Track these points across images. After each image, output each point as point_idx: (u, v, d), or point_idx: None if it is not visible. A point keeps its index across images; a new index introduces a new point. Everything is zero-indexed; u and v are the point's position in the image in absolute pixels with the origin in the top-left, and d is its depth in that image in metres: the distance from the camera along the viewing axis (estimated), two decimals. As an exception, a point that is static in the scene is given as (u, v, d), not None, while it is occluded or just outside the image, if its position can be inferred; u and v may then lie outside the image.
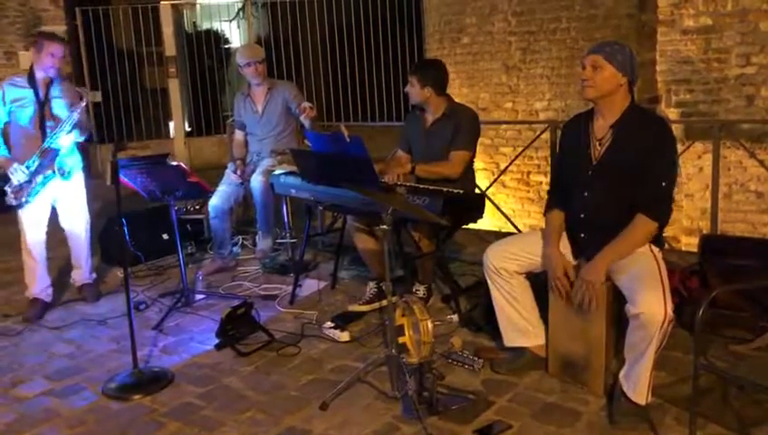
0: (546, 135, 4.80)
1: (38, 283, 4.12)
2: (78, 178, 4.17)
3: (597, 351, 2.80)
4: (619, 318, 2.77)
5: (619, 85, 2.76)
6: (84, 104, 3.94)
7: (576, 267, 2.87)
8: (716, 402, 2.66)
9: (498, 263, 2.97)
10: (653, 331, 2.48)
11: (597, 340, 2.79)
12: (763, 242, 4.15)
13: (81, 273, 4.35)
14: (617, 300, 2.74)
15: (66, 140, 3.96)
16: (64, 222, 4.22)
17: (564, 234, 2.97)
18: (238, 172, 4.74)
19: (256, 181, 4.59)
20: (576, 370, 2.90)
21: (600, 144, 2.82)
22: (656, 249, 2.77)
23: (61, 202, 4.13)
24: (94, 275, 4.43)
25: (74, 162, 4.12)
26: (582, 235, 2.90)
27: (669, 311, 2.48)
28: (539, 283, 3.02)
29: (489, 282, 3.04)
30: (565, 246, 2.95)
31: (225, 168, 4.89)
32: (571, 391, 2.86)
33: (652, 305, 2.48)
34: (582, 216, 2.89)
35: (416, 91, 3.81)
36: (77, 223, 4.23)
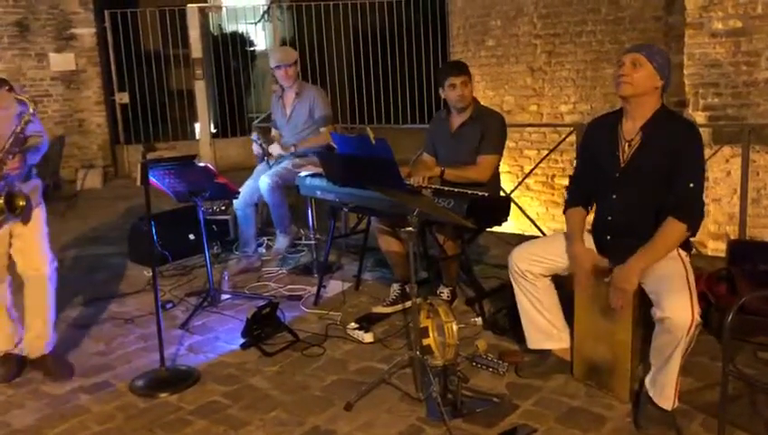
0: (571, 138, 4.78)
1: (3, 337, 3.33)
2: (37, 213, 3.25)
3: (623, 355, 2.79)
4: (644, 322, 2.75)
5: (655, 87, 2.74)
6: (31, 112, 3.04)
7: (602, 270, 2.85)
8: (745, 410, 2.64)
9: (523, 265, 2.97)
10: (679, 335, 2.46)
11: (623, 344, 2.78)
12: (793, 248, 4.09)
13: (38, 339, 3.29)
14: (643, 303, 2.72)
15: (13, 164, 3.05)
16: (20, 267, 3.26)
17: (589, 235, 2.96)
18: (260, 142, 4.86)
19: (263, 182, 4.66)
20: (601, 374, 2.88)
21: (629, 146, 2.80)
22: (683, 253, 2.74)
23: (15, 243, 3.22)
24: (55, 339, 3.38)
25: (31, 191, 3.19)
26: (608, 237, 2.89)
27: (696, 316, 2.46)
28: (563, 286, 3.01)
29: (514, 284, 3.03)
30: (589, 246, 2.93)
31: (250, 169, 4.96)
32: (596, 396, 2.85)
33: (679, 309, 2.46)
34: (609, 218, 2.88)
35: (470, 89, 3.80)
36: (35, 270, 3.24)
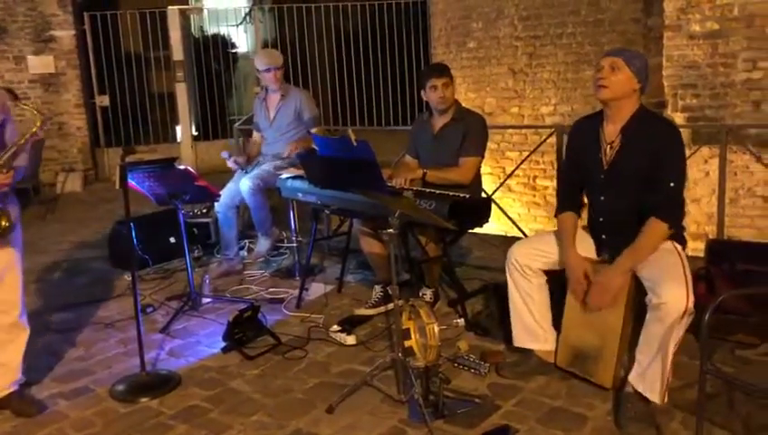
0: (552, 139, 4.80)
1: None
2: (15, 237, 2.92)
3: (611, 340, 2.81)
4: (636, 313, 2.78)
5: (633, 90, 2.78)
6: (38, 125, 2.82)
7: (601, 262, 2.91)
8: (723, 407, 2.66)
9: (523, 260, 2.99)
10: (673, 322, 2.51)
11: (613, 329, 2.80)
12: (771, 247, 4.14)
13: (2, 378, 2.96)
14: (637, 292, 2.76)
15: (6, 179, 2.76)
16: None
17: (586, 233, 3.02)
18: (233, 158, 4.81)
19: (244, 185, 4.65)
20: (586, 361, 2.91)
21: (610, 148, 2.84)
22: (679, 246, 2.79)
23: None
24: (23, 378, 3.05)
25: (13, 211, 2.87)
26: (603, 236, 2.95)
27: (690, 304, 2.51)
28: (556, 287, 3.03)
29: (509, 280, 3.05)
30: (589, 244, 2.98)
31: (231, 172, 4.93)
32: (577, 396, 2.86)
33: (675, 296, 2.51)
34: (601, 219, 2.95)
35: (452, 91, 3.80)
36: (6, 301, 2.91)
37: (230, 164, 4.84)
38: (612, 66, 2.76)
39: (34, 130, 2.85)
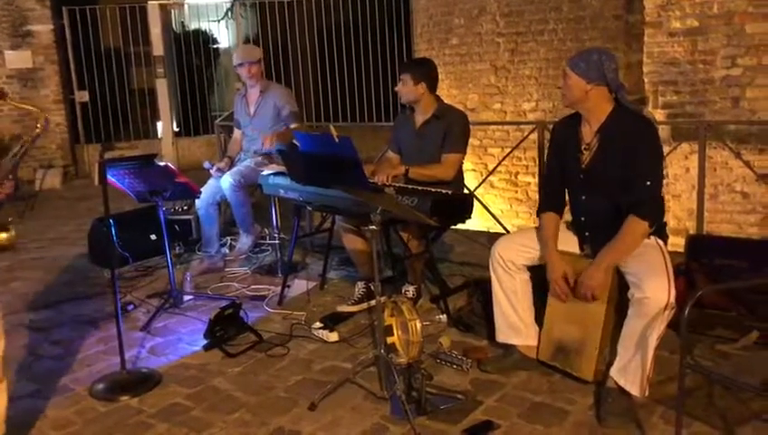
0: (534, 135, 4.82)
1: None
2: None
3: (593, 333, 2.82)
4: (618, 307, 2.81)
5: (585, 92, 2.79)
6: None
7: (583, 256, 2.93)
8: (702, 401, 2.69)
9: (507, 255, 3.00)
10: (655, 316, 2.54)
11: (595, 322, 2.82)
12: (749, 242, 4.19)
13: None
14: (620, 287, 2.78)
15: (6, 189, 2.62)
16: None
17: (568, 230, 3.04)
18: (216, 167, 4.77)
19: (225, 181, 4.62)
20: (568, 354, 2.92)
21: (588, 149, 2.86)
22: (661, 241, 2.82)
23: None
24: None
25: None
26: (587, 233, 2.97)
27: (672, 298, 2.54)
28: (539, 283, 3.04)
29: (492, 275, 3.06)
30: (572, 240, 3.00)
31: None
32: (558, 391, 2.88)
33: (657, 290, 2.54)
34: (583, 218, 2.97)
35: (409, 89, 3.80)
36: None
37: (213, 173, 4.80)
38: (564, 74, 2.87)
39: (38, 130, 2.72)
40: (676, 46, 5.58)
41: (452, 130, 3.77)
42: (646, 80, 5.79)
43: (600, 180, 2.83)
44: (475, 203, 4.00)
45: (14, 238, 2.65)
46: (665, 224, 2.95)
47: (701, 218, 4.16)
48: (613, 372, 2.73)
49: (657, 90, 5.73)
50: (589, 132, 2.87)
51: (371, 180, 3.58)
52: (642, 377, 2.64)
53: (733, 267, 3.41)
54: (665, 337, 2.66)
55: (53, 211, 7.33)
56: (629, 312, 2.66)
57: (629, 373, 2.66)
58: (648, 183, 2.72)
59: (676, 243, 4.13)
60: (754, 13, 5.24)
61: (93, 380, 3.16)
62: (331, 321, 3.66)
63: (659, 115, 5.64)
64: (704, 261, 3.49)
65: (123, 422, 2.81)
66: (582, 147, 2.88)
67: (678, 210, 5.57)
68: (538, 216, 3.11)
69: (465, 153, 3.87)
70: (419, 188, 3.55)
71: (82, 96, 9.86)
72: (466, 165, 4.19)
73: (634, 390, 2.66)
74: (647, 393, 2.68)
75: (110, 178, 3.65)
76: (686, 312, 2.22)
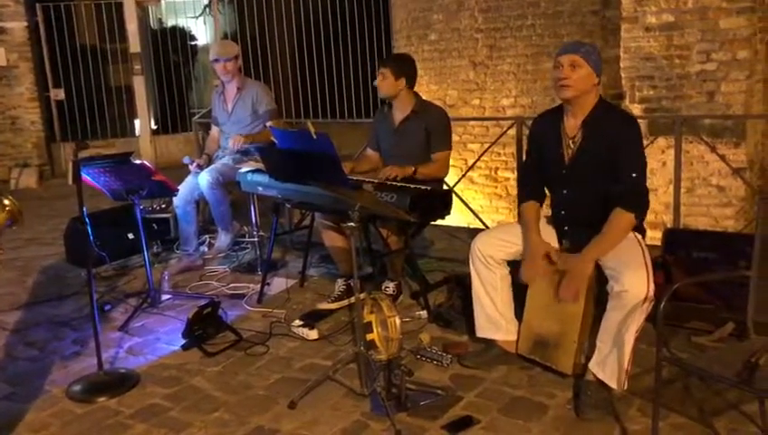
0: (513, 131, 4.83)
1: None
2: None
3: (572, 327, 2.83)
4: (597, 301, 2.82)
5: (594, 85, 2.80)
6: None
7: (562, 251, 2.93)
8: (679, 393, 2.71)
9: (487, 250, 2.99)
10: (633, 309, 2.55)
11: (573, 316, 2.83)
12: (725, 235, 4.24)
13: None
14: (598, 282, 2.80)
15: None
16: None
17: (548, 225, 3.04)
18: (195, 163, 4.74)
19: (203, 179, 4.59)
20: (547, 348, 2.94)
21: (572, 143, 2.87)
22: (639, 235, 2.84)
23: None
24: None
25: None
26: (566, 227, 2.98)
27: (651, 291, 2.56)
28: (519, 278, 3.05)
29: (472, 270, 3.06)
30: (551, 234, 3.00)
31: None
32: (538, 385, 2.89)
33: (636, 283, 2.56)
34: (563, 212, 2.97)
35: (389, 83, 3.79)
36: None
37: (192, 168, 4.76)
38: (572, 64, 2.76)
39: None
40: (652, 41, 5.62)
41: (437, 129, 3.79)
42: (623, 75, 5.83)
43: (584, 172, 2.84)
44: (455, 199, 4.01)
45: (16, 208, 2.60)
46: (642, 220, 2.97)
47: (678, 212, 4.19)
48: (592, 365, 2.75)
49: (635, 84, 5.77)
50: (573, 125, 2.87)
51: (379, 178, 3.58)
52: (620, 370, 2.66)
53: (709, 260, 3.44)
54: (643, 330, 2.68)
55: (29, 211, 7.20)
56: (608, 305, 2.68)
57: (608, 366, 2.68)
58: (634, 175, 2.74)
59: (654, 236, 4.16)
60: (728, 8, 5.29)
61: (70, 381, 3.12)
62: (312, 318, 3.65)
63: (636, 110, 5.68)
64: (680, 254, 3.52)
65: (101, 424, 2.78)
66: (566, 141, 2.89)
67: (656, 204, 5.61)
68: (519, 206, 3.11)
69: (451, 148, 3.89)
70: (398, 184, 3.55)
71: (58, 94, 9.73)
72: (446, 161, 4.20)
73: (612, 383, 2.68)
74: (625, 386, 2.70)
75: (86, 177, 3.60)
76: (662, 305, 2.24)
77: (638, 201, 2.77)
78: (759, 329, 2.43)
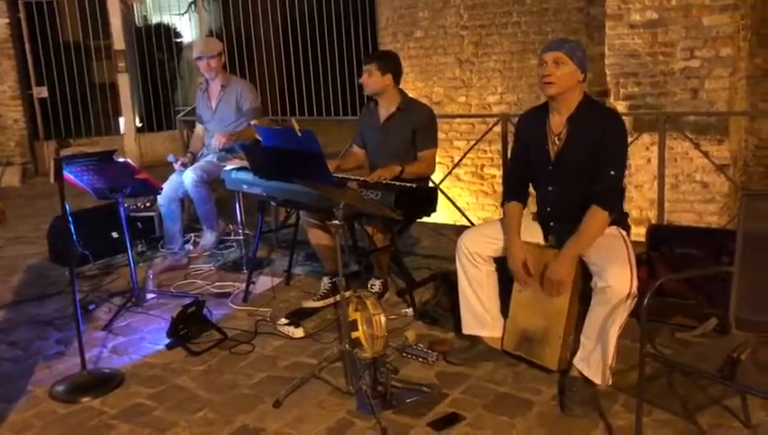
0: (498, 128, 4.84)
1: None
2: None
3: (557, 322, 2.85)
4: (582, 297, 2.83)
5: (578, 81, 2.81)
6: None
7: (548, 247, 2.95)
8: (662, 388, 2.73)
9: (473, 247, 3.00)
10: (618, 304, 2.57)
11: (559, 312, 2.84)
12: (708, 231, 4.26)
13: None
14: (582, 277, 2.81)
15: None
16: None
17: (533, 221, 3.05)
18: (180, 161, 4.70)
19: (188, 177, 4.57)
20: (532, 344, 2.95)
21: (558, 140, 2.88)
22: (623, 232, 2.86)
23: None
24: None
25: None
26: (552, 223, 2.99)
27: (634, 287, 2.57)
28: (505, 274, 3.06)
29: (459, 267, 3.06)
30: (537, 230, 3.02)
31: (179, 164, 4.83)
32: (523, 381, 2.90)
33: (620, 280, 2.57)
34: (549, 208, 2.98)
35: (375, 80, 3.78)
36: None
37: (177, 166, 4.74)
38: (556, 61, 2.77)
39: None
40: (637, 38, 5.65)
41: (423, 127, 3.79)
42: (608, 72, 5.86)
43: (569, 169, 2.85)
44: (441, 196, 4.01)
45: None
46: (627, 214, 2.99)
47: (662, 208, 4.22)
48: (576, 361, 2.76)
49: (619, 81, 5.80)
50: (559, 122, 2.88)
51: (366, 178, 3.56)
52: (604, 366, 2.68)
53: (692, 256, 3.46)
54: (627, 326, 2.70)
55: (12, 210, 7.14)
56: (592, 301, 2.70)
57: (592, 362, 2.70)
58: (612, 172, 2.75)
59: (639, 233, 4.19)
60: (711, 5, 5.33)
61: (53, 381, 3.09)
62: (297, 317, 3.64)
63: (621, 106, 5.71)
64: (664, 250, 3.54)
65: (84, 424, 2.76)
66: (552, 137, 2.90)
67: (640, 200, 5.65)
68: (502, 206, 3.12)
69: (438, 146, 3.90)
70: (384, 181, 3.54)
71: (41, 92, 9.63)
72: (432, 158, 4.21)
73: (597, 378, 2.70)
74: (609, 382, 2.71)
75: (69, 176, 3.58)
76: (646, 300, 2.25)
77: (613, 199, 2.79)
78: (741, 324, 2.45)
